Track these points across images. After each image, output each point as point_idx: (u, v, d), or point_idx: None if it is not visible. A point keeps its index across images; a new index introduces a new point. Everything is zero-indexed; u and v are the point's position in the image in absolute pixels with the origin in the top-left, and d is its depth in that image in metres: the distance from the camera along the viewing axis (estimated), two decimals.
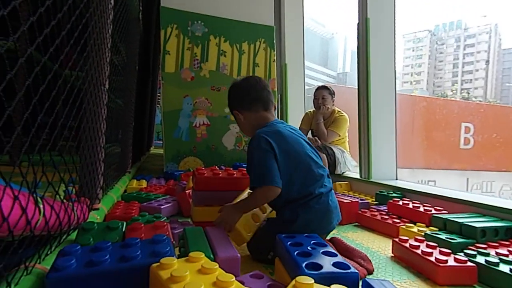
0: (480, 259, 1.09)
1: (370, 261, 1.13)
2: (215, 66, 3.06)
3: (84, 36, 0.94)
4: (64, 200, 0.84)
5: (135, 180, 2.36)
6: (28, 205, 0.59)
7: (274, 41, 3.31)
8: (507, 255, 1.11)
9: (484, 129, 7.99)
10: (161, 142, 2.93)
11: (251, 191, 1.18)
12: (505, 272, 1.00)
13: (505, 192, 7.75)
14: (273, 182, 1.06)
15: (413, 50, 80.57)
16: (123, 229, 1.04)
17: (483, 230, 1.31)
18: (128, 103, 2.43)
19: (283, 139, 1.16)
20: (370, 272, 1.09)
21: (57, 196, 0.79)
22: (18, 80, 0.51)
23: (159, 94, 4.43)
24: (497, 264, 1.04)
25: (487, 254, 1.13)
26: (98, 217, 1.24)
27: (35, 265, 0.72)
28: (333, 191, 1.23)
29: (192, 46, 2.97)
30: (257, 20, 3.25)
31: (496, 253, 1.16)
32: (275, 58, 3.30)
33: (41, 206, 0.67)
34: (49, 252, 0.81)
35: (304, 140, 1.25)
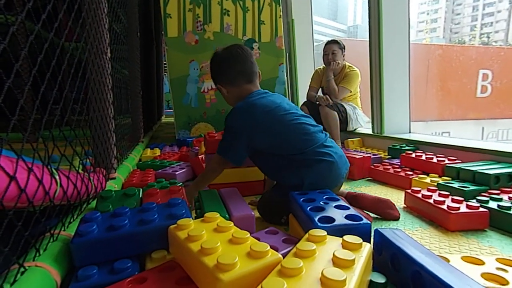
0: (493, 204, 1.09)
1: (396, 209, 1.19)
2: (219, 27, 2.94)
3: (77, 1, 0.91)
4: (80, 171, 0.87)
5: (148, 149, 2.40)
6: (44, 176, 0.61)
7: None
8: None
9: (503, 74, 7.62)
10: (172, 110, 2.93)
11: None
12: None
13: None
14: (229, 158, 1.17)
15: None
16: (140, 195, 1.08)
17: (497, 176, 1.30)
18: (134, 72, 2.40)
19: (260, 112, 1.13)
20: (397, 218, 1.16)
21: (72, 167, 0.81)
22: (15, 52, 0.50)
23: (165, 62, 4.35)
24: (509, 208, 1.05)
25: (500, 199, 1.13)
26: (116, 185, 1.29)
27: (60, 232, 0.76)
28: (330, 139, 1.19)
29: (193, 6, 2.85)
30: None
31: (509, 197, 1.16)
32: (281, 14, 3.15)
33: (57, 177, 0.69)
34: (71, 220, 0.85)
35: (290, 105, 1.21)
